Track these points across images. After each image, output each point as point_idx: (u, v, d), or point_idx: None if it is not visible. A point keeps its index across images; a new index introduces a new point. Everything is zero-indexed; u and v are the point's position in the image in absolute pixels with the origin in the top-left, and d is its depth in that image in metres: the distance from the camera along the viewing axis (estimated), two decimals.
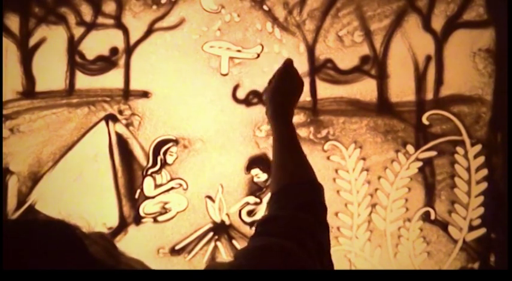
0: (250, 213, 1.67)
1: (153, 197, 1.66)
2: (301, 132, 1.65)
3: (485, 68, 1.65)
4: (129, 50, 1.65)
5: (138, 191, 1.66)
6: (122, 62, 1.65)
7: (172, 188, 1.66)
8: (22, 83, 1.64)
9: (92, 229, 0.56)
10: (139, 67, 1.65)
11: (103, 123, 1.65)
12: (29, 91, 1.64)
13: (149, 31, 1.65)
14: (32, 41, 1.64)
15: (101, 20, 1.65)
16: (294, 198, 0.82)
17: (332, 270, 0.61)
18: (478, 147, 1.65)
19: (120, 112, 1.65)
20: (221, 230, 1.66)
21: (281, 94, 0.97)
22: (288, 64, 1.00)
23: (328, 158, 1.65)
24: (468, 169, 1.65)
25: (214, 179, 1.66)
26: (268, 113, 0.97)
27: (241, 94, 1.66)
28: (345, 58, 1.66)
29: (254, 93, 1.65)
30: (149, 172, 1.66)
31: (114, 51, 1.65)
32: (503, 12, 1.61)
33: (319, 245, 0.75)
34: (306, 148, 1.64)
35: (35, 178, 1.64)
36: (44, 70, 1.64)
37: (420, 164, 1.66)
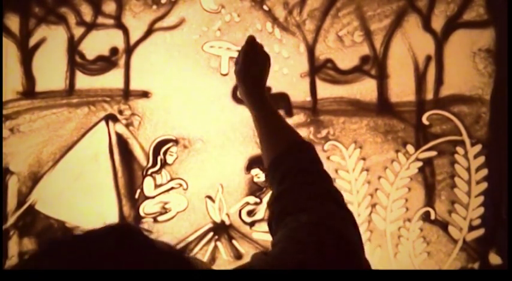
0: (250, 213, 1.67)
1: (153, 197, 1.66)
2: (301, 132, 1.64)
3: (485, 68, 1.65)
4: (129, 50, 1.65)
5: (138, 191, 1.66)
6: (122, 62, 1.65)
7: (172, 188, 1.66)
8: (22, 83, 1.64)
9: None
10: (139, 67, 1.65)
11: (103, 123, 1.65)
12: (29, 91, 1.64)
13: (149, 31, 1.65)
14: (32, 41, 1.64)
15: (101, 20, 1.65)
16: (284, 169, 0.81)
17: (333, 270, 0.60)
18: (478, 147, 1.65)
19: (120, 112, 1.65)
20: (221, 230, 1.66)
21: (251, 75, 0.95)
22: (250, 42, 0.98)
23: (328, 158, 1.65)
24: (468, 169, 1.65)
25: (214, 179, 1.66)
26: (242, 95, 0.96)
27: None
28: (345, 58, 1.66)
29: None
30: (149, 172, 1.66)
31: (114, 51, 1.65)
32: (503, 12, 1.61)
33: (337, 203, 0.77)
34: None
35: (35, 178, 1.64)
36: (44, 70, 1.64)
37: (420, 164, 1.65)
